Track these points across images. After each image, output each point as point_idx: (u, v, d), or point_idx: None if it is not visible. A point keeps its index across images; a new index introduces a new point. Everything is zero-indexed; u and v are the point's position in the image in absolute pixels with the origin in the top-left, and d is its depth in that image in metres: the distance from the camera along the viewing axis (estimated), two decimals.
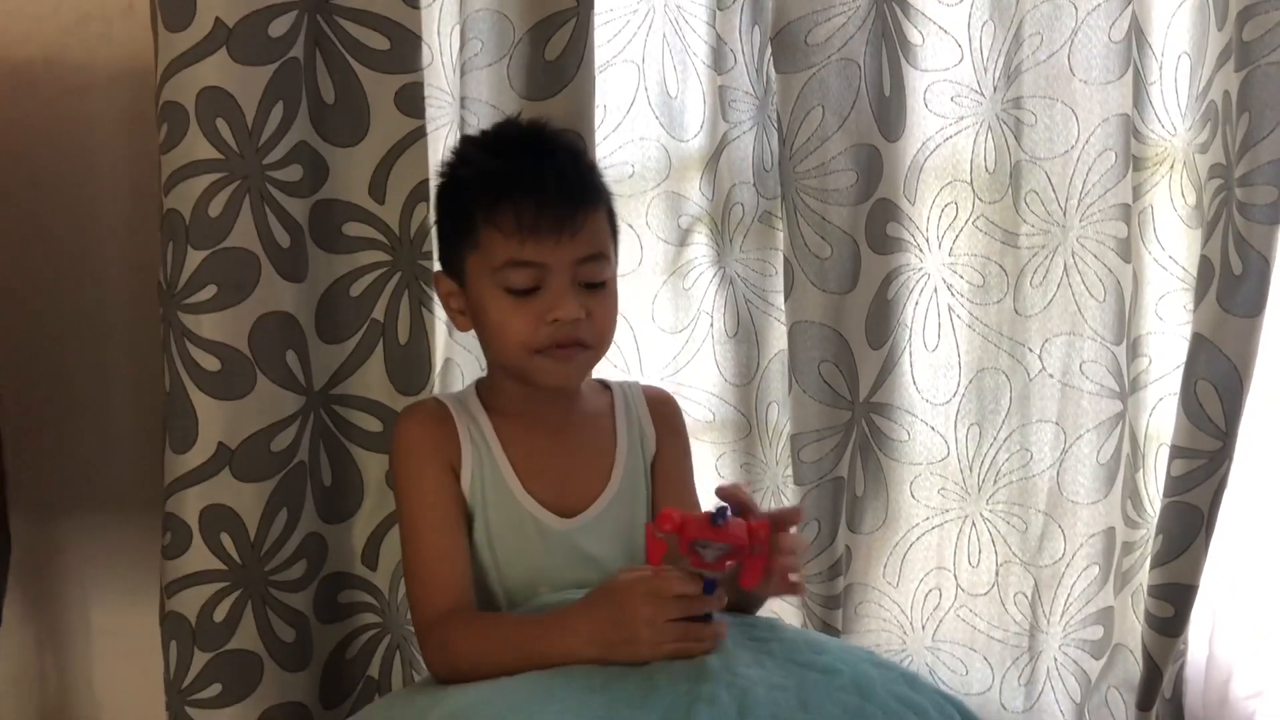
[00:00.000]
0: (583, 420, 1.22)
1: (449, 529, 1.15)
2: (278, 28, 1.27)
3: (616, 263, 1.19)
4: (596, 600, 1.03)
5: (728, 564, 1.00)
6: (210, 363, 1.27)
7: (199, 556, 1.29)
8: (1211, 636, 1.61)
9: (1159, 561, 1.47)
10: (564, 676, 0.99)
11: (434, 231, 1.27)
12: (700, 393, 1.56)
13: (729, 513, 0.99)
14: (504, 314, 1.12)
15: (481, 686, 1.01)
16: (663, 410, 1.28)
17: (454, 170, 1.19)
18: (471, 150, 1.18)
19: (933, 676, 1.59)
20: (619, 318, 1.48)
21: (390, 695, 1.15)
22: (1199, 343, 1.41)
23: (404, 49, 1.33)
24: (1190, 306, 1.47)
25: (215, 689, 1.31)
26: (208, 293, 1.27)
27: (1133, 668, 1.55)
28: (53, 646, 1.53)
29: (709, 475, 1.57)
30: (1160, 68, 1.47)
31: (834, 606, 1.52)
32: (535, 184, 1.10)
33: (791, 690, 0.97)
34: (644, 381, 1.44)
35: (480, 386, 1.24)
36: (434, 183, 1.34)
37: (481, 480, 1.17)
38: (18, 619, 1.49)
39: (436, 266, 1.43)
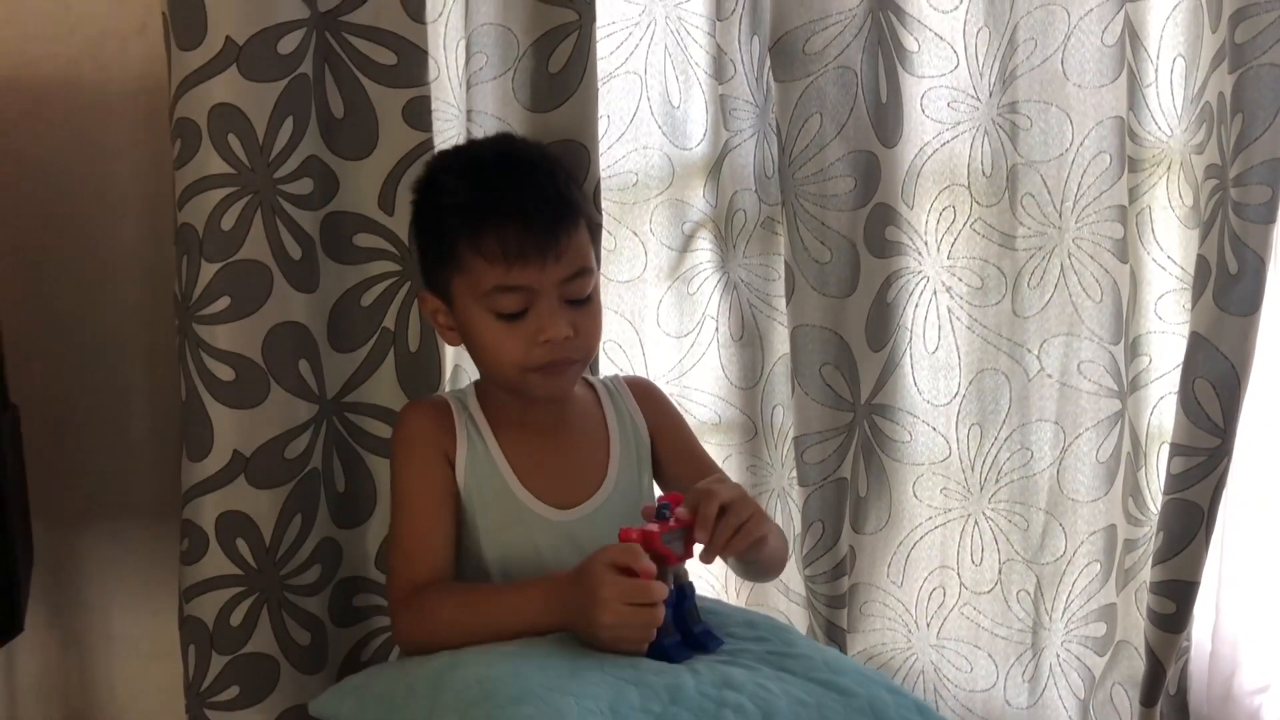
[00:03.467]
0: (575, 420, 1.26)
1: (436, 510, 1.19)
2: (287, 44, 1.30)
3: (599, 269, 1.21)
4: (568, 576, 1.07)
5: (694, 546, 1.08)
6: (225, 372, 1.30)
7: (216, 562, 1.32)
8: (1215, 632, 1.63)
9: (1160, 558, 1.48)
10: (595, 659, 1.02)
11: (414, 250, 1.28)
12: (705, 395, 1.58)
13: (669, 506, 1.07)
14: (494, 337, 1.15)
15: (507, 655, 1.03)
16: (646, 396, 1.31)
17: (432, 196, 1.20)
18: (448, 178, 1.19)
19: (937, 674, 1.61)
20: (625, 321, 1.53)
21: (399, 662, 1.16)
22: (1197, 341, 1.43)
23: (411, 63, 1.35)
24: (1189, 306, 1.49)
25: (233, 691, 1.34)
26: (222, 304, 1.29)
27: (1137, 664, 1.56)
28: (75, 652, 1.55)
29: None
30: (1156, 70, 1.49)
31: (839, 606, 1.54)
32: (518, 211, 1.12)
33: (812, 707, 0.99)
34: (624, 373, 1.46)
35: (479, 388, 1.27)
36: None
37: (477, 476, 1.20)
38: (41, 625, 1.51)
39: None
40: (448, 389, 1.46)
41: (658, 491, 1.30)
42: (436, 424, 1.21)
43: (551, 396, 1.20)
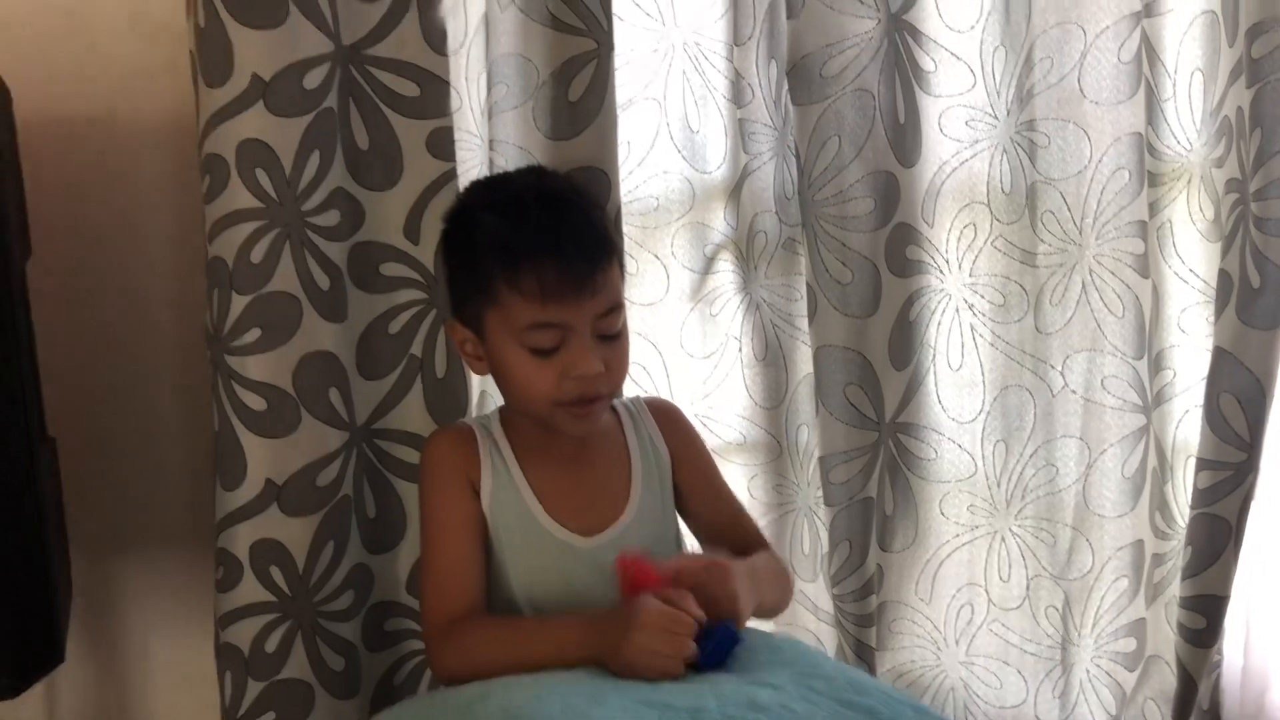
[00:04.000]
0: (597, 447, 1.26)
1: (466, 540, 1.20)
2: (312, 79, 1.32)
3: (624, 305, 1.22)
4: (607, 610, 1.09)
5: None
6: (256, 402, 1.32)
7: (250, 589, 1.33)
8: (1247, 647, 1.62)
9: (1189, 573, 1.48)
10: (619, 684, 1.03)
11: (443, 279, 1.29)
12: (730, 416, 1.59)
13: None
14: (526, 372, 1.16)
15: (531, 684, 1.04)
16: (668, 420, 1.32)
17: (467, 231, 1.21)
18: (484, 214, 1.18)
19: (967, 691, 1.61)
20: (649, 344, 1.54)
21: (429, 695, 1.18)
22: (1220, 356, 1.43)
23: (433, 95, 1.37)
24: (1212, 319, 1.49)
25: (269, 718, 1.35)
26: (252, 335, 1.31)
27: (1168, 679, 1.56)
28: (113, 680, 1.57)
29: (741, 497, 1.59)
30: (1174, 85, 1.49)
31: (867, 625, 1.54)
32: (554, 249, 1.12)
33: None
34: (643, 395, 1.46)
35: (504, 414, 1.28)
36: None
37: (501, 502, 1.21)
38: (80, 655, 1.53)
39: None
40: (474, 414, 1.48)
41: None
42: (461, 452, 1.23)
43: (578, 434, 1.21)
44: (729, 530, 1.29)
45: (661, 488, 1.28)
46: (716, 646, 1.07)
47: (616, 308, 1.17)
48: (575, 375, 1.14)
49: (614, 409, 1.31)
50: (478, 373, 1.24)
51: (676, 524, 1.29)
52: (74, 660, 1.50)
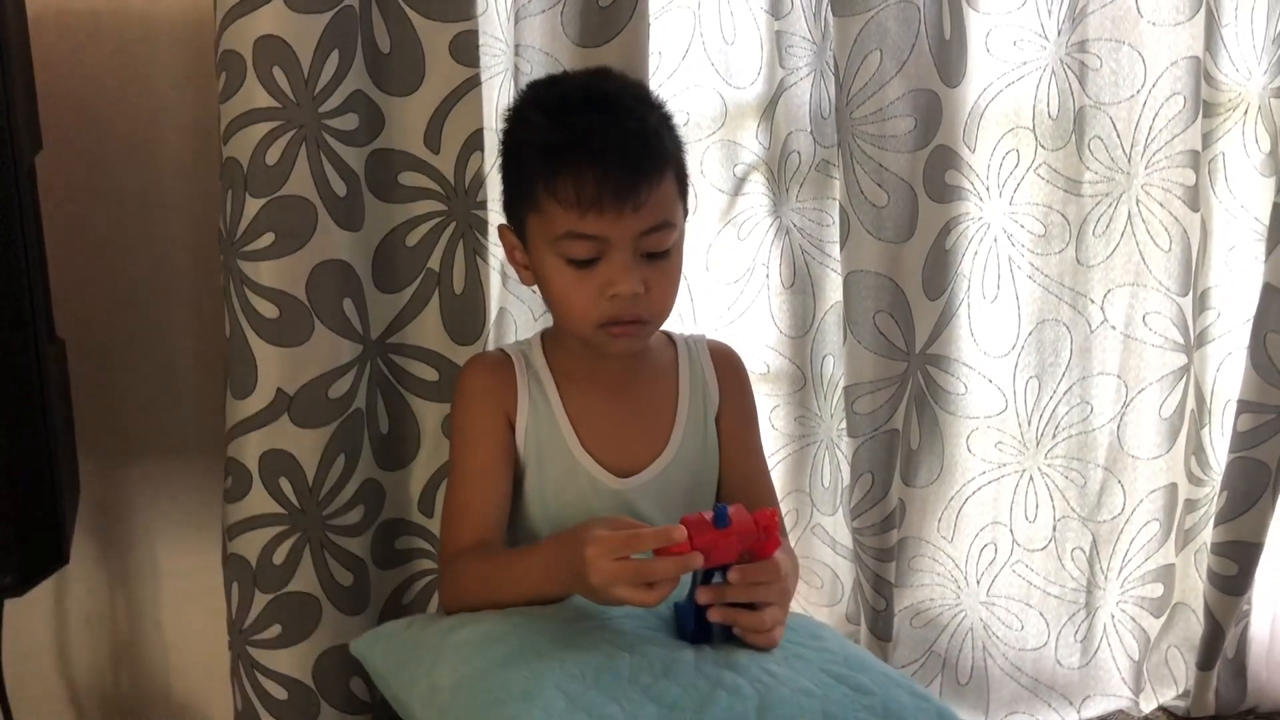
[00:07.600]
0: (646, 380, 1.20)
1: (491, 473, 1.15)
2: None
3: (685, 224, 1.14)
4: (563, 540, 1.02)
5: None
6: (269, 310, 1.29)
7: (259, 500, 1.32)
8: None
9: (1223, 518, 1.44)
10: (599, 622, 1.00)
11: (500, 179, 1.21)
12: (755, 344, 1.55)
13: (728, 511, 0.97)
14: (564, 285, 1.09)
15: (507, 619, 1.02)
16: (727, 368, 1.25)
17: (514, 128, 1.14)
18: (531, 111, 1.11)
19: (986, 632, 1.58)
20: None
21: (416, 617, 1.16)
22: (1270, 294, 1.38)
23: None
24: (1262, 257, 1.44)
25: (275, 630, 1.34)
26: (266, 240, 1.28)
27: (1194, 626, 1.53)
28: (122, 587, 1.57)
29: (763, 428, 1.56)
30: (1236, 8, 1.43)
31: (887, 560, 1.51)
32: (597, 155, 1.03)
33: (818, 699, 0.94)
34: (710, 335, 1.36)
35: (546, 338, 1.22)
36: (497, 130, 1.31)
37: (537, 434, 1.17)
38: (89, 560, 1.53)
39: (500, 219, 1.43)
40: (492, 332, 1.44)
41: None
42: (498, 382, 1.17)
43: (620, 354, 1.14)
44: (748, 497, 1.19)
45: (706, 432, 1.21)
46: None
47: (664, 226, 1.08)
48: (612, 294, 1.07)
49: (672, 342, 1.25)
50: (526, 283, 1.17)
51: (717, 472, 1.23)
52: (82, 564, 1.50)
